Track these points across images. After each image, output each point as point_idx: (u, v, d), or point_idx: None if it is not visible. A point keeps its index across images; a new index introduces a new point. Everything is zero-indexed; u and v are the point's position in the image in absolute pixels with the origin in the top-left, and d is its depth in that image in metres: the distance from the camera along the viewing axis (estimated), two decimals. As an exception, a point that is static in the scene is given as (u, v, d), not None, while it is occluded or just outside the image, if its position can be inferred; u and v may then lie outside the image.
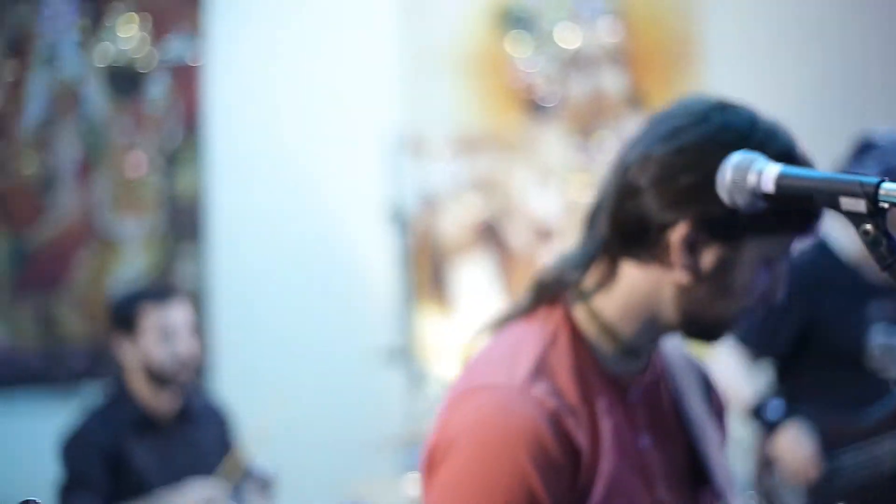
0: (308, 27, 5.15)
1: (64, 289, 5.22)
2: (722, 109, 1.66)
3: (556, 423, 1.58)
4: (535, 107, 5.04)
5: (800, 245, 1.70)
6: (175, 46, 5.10)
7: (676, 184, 1.62)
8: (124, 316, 3.49)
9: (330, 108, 5.15)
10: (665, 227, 1.63)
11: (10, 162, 5.16)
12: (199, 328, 3.85)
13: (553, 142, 5.05)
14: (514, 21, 5.02)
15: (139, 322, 3.44)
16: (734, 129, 1.63)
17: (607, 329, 1.69)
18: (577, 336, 1.69)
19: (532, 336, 1.69)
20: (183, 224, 5.19)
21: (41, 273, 5.22)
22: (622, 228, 1.67)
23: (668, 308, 1.68)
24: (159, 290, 3.54)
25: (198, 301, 4.73)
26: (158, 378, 3.46)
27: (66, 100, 5.14)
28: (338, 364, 5.07)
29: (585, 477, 1.60)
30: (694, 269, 1.63)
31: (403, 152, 4.92)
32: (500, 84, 4.97)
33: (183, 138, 5.16)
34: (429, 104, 4.98)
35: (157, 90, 5.14)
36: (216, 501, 3.29)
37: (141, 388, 3.48)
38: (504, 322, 1.74)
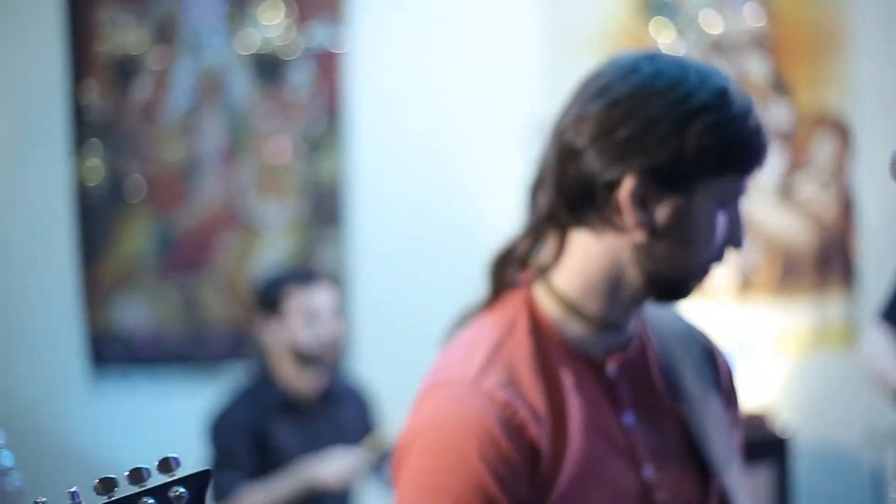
0: (449, 14, 5.15)
1: (207, 272, 5.32)
2: (651, 59, 1.62)
3: (508, 416, 1.53)
4: (677, 93, 4.96)
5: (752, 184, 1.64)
6: (318, 33, 5.15)
7: (614, 137, 1.57)
8: (270, 298, 3.53)
9: (470, 95, 5.15)
10: (611, 187, 1.57)
11: (156, 148, 5.27)
12: (339, 307, 3.88)
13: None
14: (658, 7, 4.95)
15: (284, 304, 3.48)
16: (665, 75, 1.58)
17: (570, 306, 1.63)
18: (538, 318, 1.64)
19: (489, 326, 1.66)
20: (324, 209, 5.25)
21: (186, 257, 5.32)
22: (568, 195, 1.62)
23: (630, 272, 1.61)
24: (304, 273, 3.59)
25: (338, 285, 4.78)
26: (303, 359, 3.50)
27: (211, 87, 5.22)
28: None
29: (549, 465, 1.55)
30: (649, 224, 1.57)
31: (543, 139, 4.89)
32: (642, 69, 4.91)
33: (325, 125, 5.21)
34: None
35: (301, 77, 5.20)
36: (356, 473, 3.33)
37: (285, 370, 3.52)
38: (470, 315, 1.72)
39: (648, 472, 1.64)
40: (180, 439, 5.16)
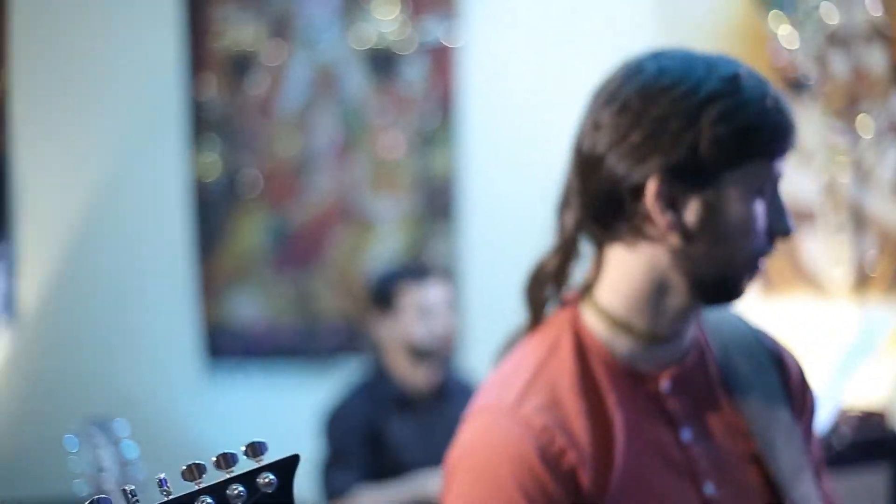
0: (563, 8, 5.12)
1: (321, 266, 5.36)
2: (655, 57, 1.58)
3: (545, 443, 1.50)
4: (795, 85, 4.88)
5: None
6: (432, 28, 5.16)
7: (629, 142, 1.54)
8: (383, 294, 3.53)
9: (583, 89, 5.11)
10: (636, 193, 1.53)
11: (271, 143, 5.32)
12: (452, 302, 3.87)
13: (813, 121, 4.89)
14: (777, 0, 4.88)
15: (398, 300, 3.48)
16: (670, 71, 1.54)
17: (617, 323, 1.58)
18: (583, 338, 1.60)
19: (532, 348, 1.63)
20: (436, 204, 5.26)
21: (299, 251, 5.37)
22: (594, 208, 1.59)
23: (673, 280, 1.56)
24: (417, 268, 3.57)
25: (450, 279, 4.78)
26: (417, 354, 3.49)
27: (326, 82, 5.26)
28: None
29: (593, 489, 1.50)
30: (680, 226, 1.52)
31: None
32: (759, 61, 4.82)
33: (439, 119, 5.21)
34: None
35: (415, 72, 5.21)
36: None
37: (398, 366, 3.52)
38: (516, 337, 1.71)
39: (710, 489, 1.58)
40: (293, 432, 5.21)
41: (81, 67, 5.43)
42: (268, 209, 5.35)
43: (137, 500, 0.81)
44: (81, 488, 2.26)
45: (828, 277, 4.49)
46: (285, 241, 5.36)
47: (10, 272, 5.57)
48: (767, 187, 1.55)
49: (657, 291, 1.57)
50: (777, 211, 1.56)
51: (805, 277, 4.41)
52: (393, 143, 5.22)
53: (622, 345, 1.59)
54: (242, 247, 5.38)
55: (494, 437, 1.53)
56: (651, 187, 1.53)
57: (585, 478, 1.50)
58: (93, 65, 5.42)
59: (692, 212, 1.53)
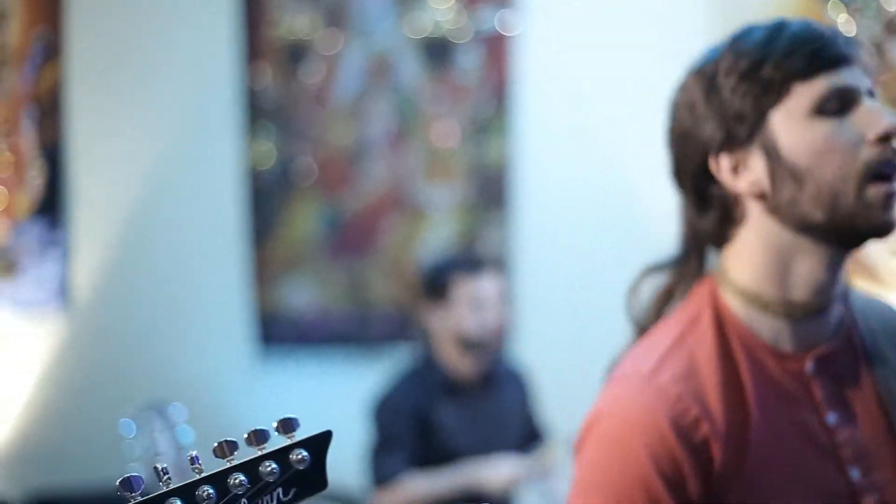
0: (617, -4, 5.11)
1: (374, 255, 5.37)
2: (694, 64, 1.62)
3: (679, 412, 1.48)
4: (853, 74, 4.83)
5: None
6: (487, 17, 5.15)
7: (681, 140, 1.64)
8: (436, 285, 3.53)
9: (639, 78, 5.09)
10: (711, 180, 1.59)
11: (326, 132, 5.34)
12: (505, 295, 3.86)
13: (871, 109, 4.83)
14: (835, -15, 4.82)
15: (451, 292, 3.47)
16: (695, 64, 1.63)
17: (751, 297, 1.56)
18: (722, 313, 1.58)
19: (674, 321, 1.62)
20: (490, 193, 5.25)
21: (353, 239, 5.39)
22: (693, 196, 1.63)
23: (788, 240, 1.53)
24: (471, 260, 3.56)
25: (503, 270, 4.77)
26: (467, 346, 3.49)
27: (380, 71, 5.27)
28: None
29: (726, 463, 1.47)
30: (756, 184, 1.53)
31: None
32: (817, 49, 4.79)
33: (493, 108, 5.21)
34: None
35: (469, 60, 5.20)
36: (520, 479, 3.31)
37: (448, 354, 3.52)
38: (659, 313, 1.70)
39: (855, 474, 1.54)
40: (344, 419, 5.23)
41: (137, 56, 5.47)
42: (322, 197, 5.37)
43: (169, 478, 0.81)
44: (137, 472, 2.28)
45: (886, 269, 4.46)
46: (339, 230, 5.38)
47: (65, 259, 5.63)
48: (831, 104, 1.49)
49: (779, 256, 1.55)
50: (864, 117, 1.49)
51: (863, 268, 4.37)
52: (447, 131, 5.22)
53: (763, 324, 1.57)
54: (296, 235, 5.40)
55: (628, 404, 1.52)
56: (713, 166, 1.57)
57: (718, 451, 1.48)
58: (148, 54, 5.46)
59: (757, 165, 1.53)
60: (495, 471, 3.32)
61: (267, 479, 0.83)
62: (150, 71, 5.46)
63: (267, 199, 5.40)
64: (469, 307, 3.46)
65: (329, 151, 5.35)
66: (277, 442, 0.93)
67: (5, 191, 5.65)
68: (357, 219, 5.37)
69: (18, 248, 5.65)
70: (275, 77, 5.33)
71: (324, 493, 4.04)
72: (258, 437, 0.84)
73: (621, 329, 5.33)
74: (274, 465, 0.84)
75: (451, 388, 3.50)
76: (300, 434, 0.88)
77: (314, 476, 0.84)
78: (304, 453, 0.84)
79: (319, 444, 0.85)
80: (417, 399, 3.47)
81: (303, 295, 5.42)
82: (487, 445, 3.46)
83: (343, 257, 5.39)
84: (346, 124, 5.30)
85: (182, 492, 0.82)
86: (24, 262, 5.65)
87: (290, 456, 0.84)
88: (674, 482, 1.45)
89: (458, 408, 3.49)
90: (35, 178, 5.59)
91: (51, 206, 5.61)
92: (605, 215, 5.14)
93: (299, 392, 5.37)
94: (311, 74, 5.30)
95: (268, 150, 5.35)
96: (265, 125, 5.35)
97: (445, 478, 3.33)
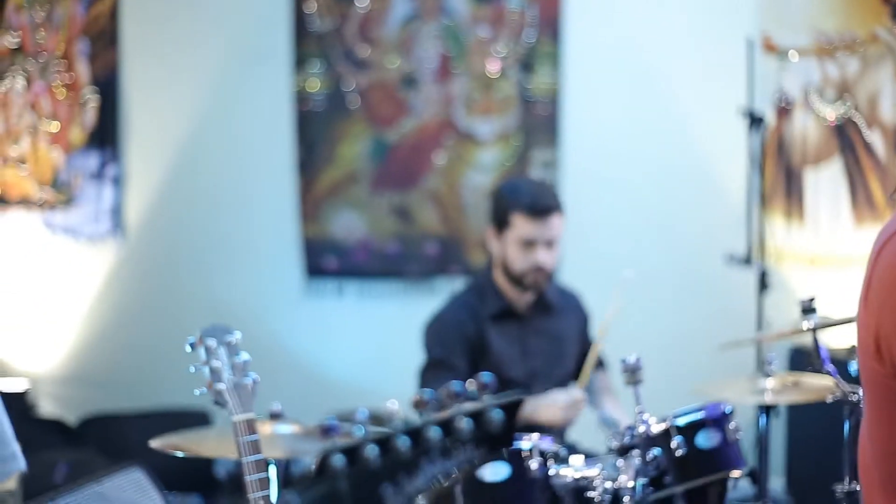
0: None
1: (420, 184, 5.42)
2: None
3: None
4: (896, 12, 4.81)
5: None
6: (535, -52, 5.16)
7: None
8: (500, 215, 3.44)
9: (687, 10, 5.10)
10: None
11: (375, 62, 5.37)
12: (559, 238, 3.80)
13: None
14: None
15: (511, 226, 3.40)
16: None
17: None
18: None
19: None
20: (538, 122, 5.28)
21: (400, 168, 5.43)
22: None
23: None
24: (538, 203, 3.44)
25: (565, 214, 4.80)
26: (513, 281, 3.46)
27: (430, 1, 5.29)
28: (688, 265, 5.07)
29: None
30: None
31: (760, 55, 4.83)
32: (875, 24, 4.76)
33: (540, 39, 5.23)
34: (788, 7, 4.85)
35: (519, -10, 5.25)
36: (577, 408, 3.29)
37: (504, 281, 3.50)
38: None
39: None
40: (388, 347, 5.31)
41: (188, -13, 5.53)
42: (369, 127, 5.41)
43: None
44: (197, 393, 2.36)
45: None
46: (386, 159, 5.42)
47: (118, 188, 5.71)
48: None
49: None
50: None
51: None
52: (494, 61, 5.25)
53: None
54: (343, 164, 5.45)
55: None
56: None
57: None
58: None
59: None
60: (549, 406, 3.30)
61: (461, 435, 0.87)
62: (200, 1, 5.52)
63: (315, 128, 5.44)
64: (521, 247, 3.40)
65: (378, 81, 5.39)
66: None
67: (60, 123, 5.74)
68: (404, 148, 5.41)
69: (73, 179, 5.74)
70: (325, 7, 5.35)
71: (378, 416, 4.12)
72: (452, 394, 0.88)
73: (669, 262, 5.38)
74: (468, 422, 0.87)
75: (506, 313, 3.47)
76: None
77: (504, 436, 0.88)
78: (499, 414, 0.88)
79: (512, 407, 0.88)
80: (470, 321, 3.43)
81: (349, 224, 5.47)
82: (538, 372, 3.46)
83: (389, 186, 5.43)
84: (394, 54, 5.34)
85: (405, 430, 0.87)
86: (78, 192, 5.74)
87: (486, 415, 0.87)
88: None
89: (512, 333, 3.46)
90: (89, 110, 5.67)
91: (104, 138, 5.69)
92: (654, 145, 5.16)
93: (345, 321, 5.44)
94: (361, 4, 5.34)
95: (316, 79, 5.39)
96: (314, 54, 5.39)
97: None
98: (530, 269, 3.42)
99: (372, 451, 0.84)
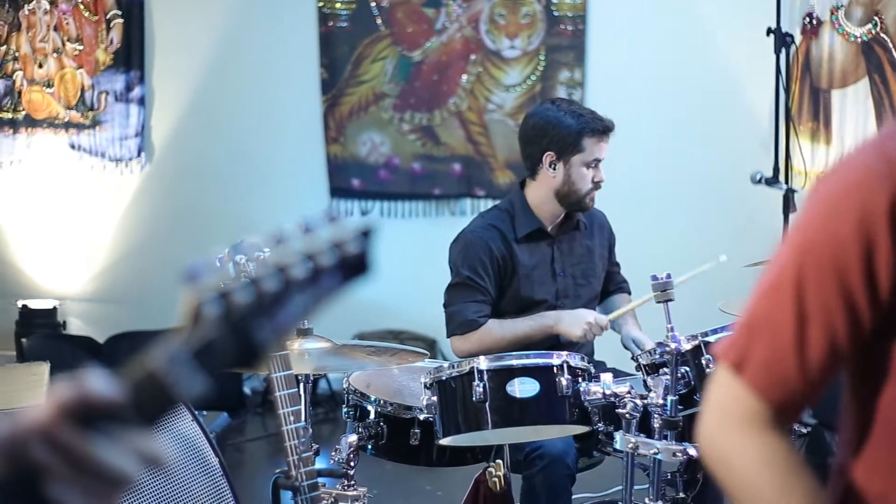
0: None
1: (445, 103, 5.41)
2: None
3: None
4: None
5: None
6: None
7: None
8: (570, 141, 3.37)
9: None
10: None
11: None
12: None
13: None
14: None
15: (582, 150, 3.36)
16: None
17: None
18: None
19: None
20: (563, 41, 5.26)
21: (424, 88, 5.42)
22: None
23: None
24: (601, 121, 3.41)
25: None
26: (575, 204, 3.42)
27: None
28: (715, 184, 5.07)
29: None
30: None
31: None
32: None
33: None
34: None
35: None
36: (601, 327, 3.29)
37: (539, 202, 3.45)
38: None
39: None
40: (412, 269, 5.34)
41: None
42: (394, 46, 5.40)
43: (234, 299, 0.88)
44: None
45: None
46: (411, 79, 5.41)
47: (144, 110, 5.73)
48: None
49: None
50: None
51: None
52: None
53: None
54: (368, 84, 5.45)
55: (851, 164, 1.35)
56: None
57: None
58: None
59: None
60: (576, 319, 3.30)
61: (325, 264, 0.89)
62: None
63: (340, 47, 5.44)
64: (587, 168, 3.36)
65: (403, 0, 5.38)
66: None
67: (85, 44, 5.74)
68: (429, 67, 5.39)
69: (99, 100, 5.75)
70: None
71: (408, 334, 4.18)
72: (306, 227, 0.89)
73: (694, 180, 5.36)
74: (329, 254, 0.89)
75: (536, 233, 3.45)
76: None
77: (359, 263, 0.90)
78: (355, 243, 0.89)
79: (368, 233, 0.90)
80: (500, 244, 3.40)
81: (374, 145, 5.48)
82: (570, 293, 3.45)
83: (414, 107, 5.43)
84: (419, -31, 5.32)
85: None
86: (104, 113, 5.75)
87: (345, 243, 0.89)
88: (868, 251, 1.28)
89: (543, 255, 3.44)
90: (114, 31, 5.67)
91: (130, 59, 5.69)
92: (682, 64, 5.14)
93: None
94: (385, -83, 5.33)
95: (343, -2, 5.40)
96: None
97: (527, 324, 3.32)
98: (593, 188, 3.42)
99: (243, 292, 0.87)
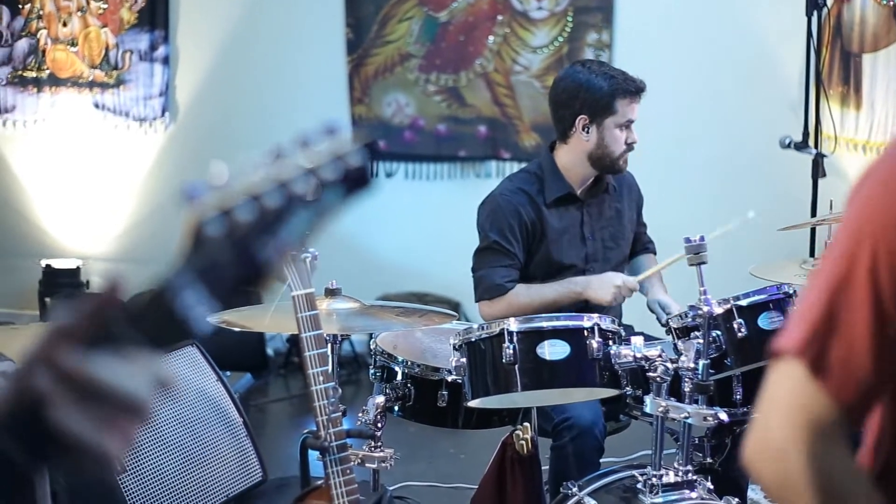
0: None
1: (471, 65, 5.37)
2: None
3: None
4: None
5: None
6: None
7: None
8: (603, 104, 3.34)
9: None
10: None
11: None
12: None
13: None
14: None
15: (615, 111, 3.33)
16: None
17: None
18: None
19: None
20: (591, 3, 5.20)
21: (450, 49, 5.38)
22: None
23: None
24: (633, 81, 3.37)
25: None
26: (609, 166, 3.39)
27: None
28: (745, 148, 5.03)
29: None
30: None
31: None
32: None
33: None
34: None
35: None
36: (630, 290, 3.27)
37: (570, 166, 3.42)
38: None
39: None
40: (437, 229, 5.33)
41: None
42: (420, 6, 5.36)
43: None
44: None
45: None
46: (436, 39, 5.37)
47: (168, 69, 5.71)
48: None
49: None
50: None
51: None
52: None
53: None
54: (394, 44, 5.41)
55: None
56: None
57: None
58: None
59: None
60: (604, 283, 3.28)
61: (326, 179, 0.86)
62: None
63: (365, 7, 5.40)
64: (621, 130, 3.33)
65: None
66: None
67: (109, 3, 5.72)
68: (455, 28, 5.35)
69: (123, 59, 5.74)
70: None
71: (432, 297, 4.15)
72: (304, 142, 0.87)
73: (723, 144, 5.33)
74: (335, 165, 0.86)
75: (564, 197, 3.43)
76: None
77: (361, 176, 0.87)
78: (356, 156, 0.86)
79: (370, 147, 0.87)
80: (529, 207, 3.37)
81: (399, 107, 5.45)
82: (599, 256, 3.43)
83: (440, 68, 5.39)
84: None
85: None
86: (128, 73, 5.74)
87: (342, 159, 0.86)
88: None
89: (572, 218, 3.41)
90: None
91: (154, 18, 5.67)
92: (710, 28, 5.09)
93: (394, 202, 5.43)
94: None
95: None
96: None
97: (555, 289, 3.30)
98: (627, 149, 3.39)
99: (245, 209, 0.85)
